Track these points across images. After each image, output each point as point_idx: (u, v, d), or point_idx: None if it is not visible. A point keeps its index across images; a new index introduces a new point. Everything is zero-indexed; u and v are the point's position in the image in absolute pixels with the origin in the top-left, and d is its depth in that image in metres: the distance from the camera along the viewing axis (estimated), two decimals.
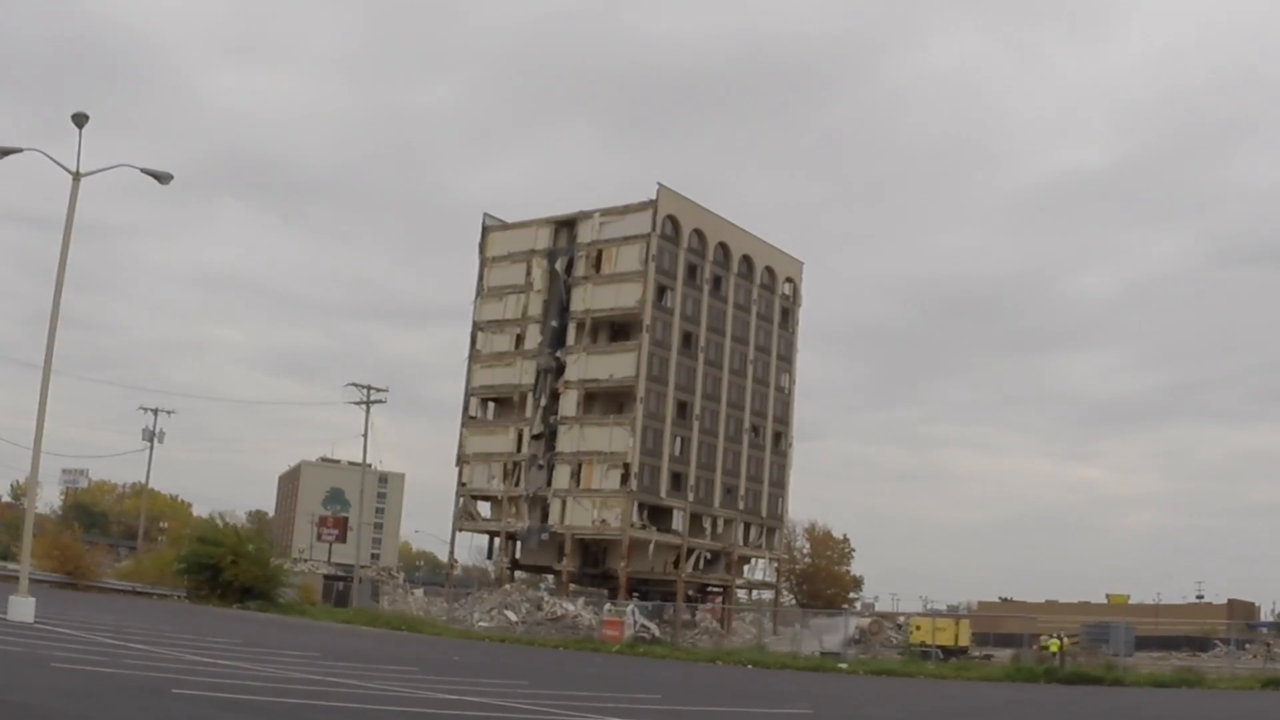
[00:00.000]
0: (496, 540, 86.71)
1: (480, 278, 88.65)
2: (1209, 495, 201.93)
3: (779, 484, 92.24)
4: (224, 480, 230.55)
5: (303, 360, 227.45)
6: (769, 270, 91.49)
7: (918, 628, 54.11)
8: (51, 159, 30.32)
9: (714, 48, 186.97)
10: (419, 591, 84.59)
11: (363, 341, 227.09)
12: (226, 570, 57.50)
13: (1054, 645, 45.70)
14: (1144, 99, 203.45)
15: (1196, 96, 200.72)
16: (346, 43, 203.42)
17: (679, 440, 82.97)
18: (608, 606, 58.02)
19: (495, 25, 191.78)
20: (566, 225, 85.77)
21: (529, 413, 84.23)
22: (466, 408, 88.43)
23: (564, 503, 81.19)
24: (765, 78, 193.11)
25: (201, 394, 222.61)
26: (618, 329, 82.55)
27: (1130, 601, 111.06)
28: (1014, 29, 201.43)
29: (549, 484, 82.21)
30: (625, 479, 78.68)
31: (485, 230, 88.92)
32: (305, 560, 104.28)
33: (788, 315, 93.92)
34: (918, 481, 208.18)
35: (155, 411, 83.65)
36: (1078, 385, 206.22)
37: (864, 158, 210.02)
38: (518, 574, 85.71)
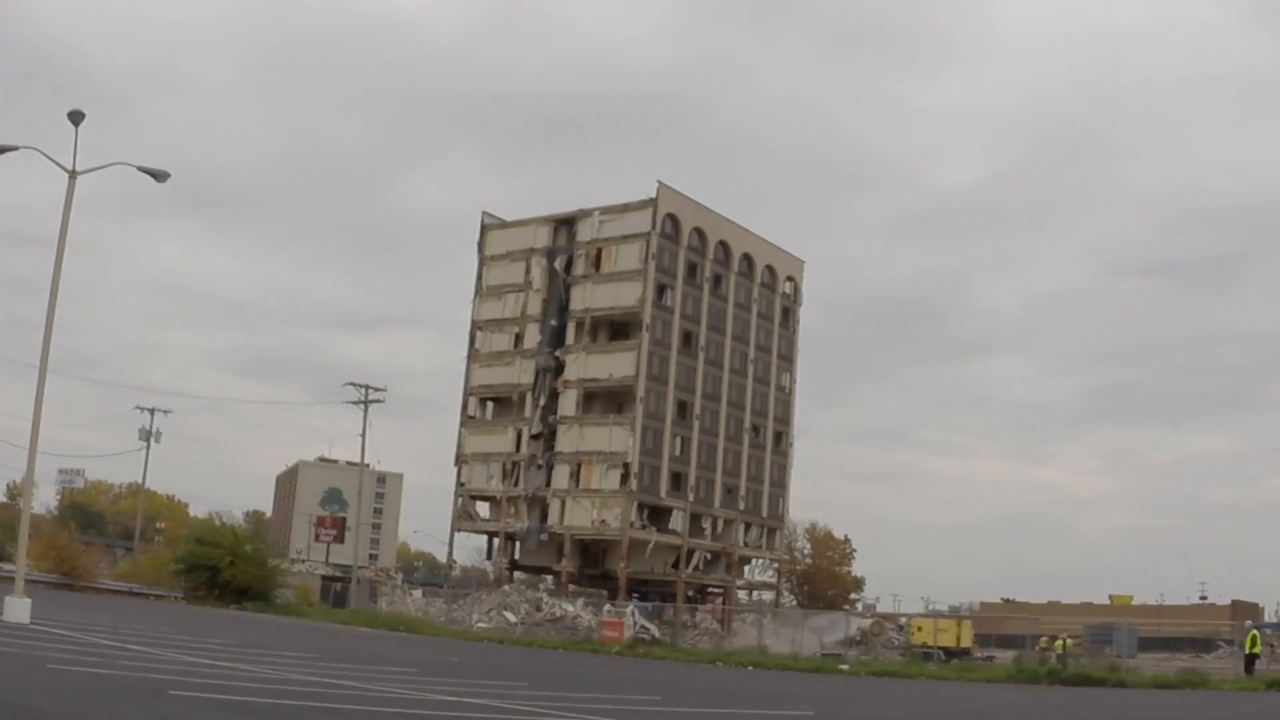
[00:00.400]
0: (495, 541, 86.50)
1: (479, 276, 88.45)
2: (1172, 496, 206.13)
3: (779, 484, 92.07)
4: (221, 481, 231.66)
5: (261, 365, 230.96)
6: (769, 269, 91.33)
7: (919, 629, 53.97)
8: (48, 157, 30.36)
9: (584, 80, 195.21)
10: (417, 592, 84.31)
11: (315, 347, 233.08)
12: (224, 571, 57.18)
13: (1059, 646, 45.45)
14: (1011, 118, 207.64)
15: (1059, 114, 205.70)
16: (254, 73, 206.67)
17: (679, 440, 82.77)
18: (607, 607, 57.71)
19: (389, 56, 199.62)
20: (566, 223, 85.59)
21: (528, 412, 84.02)
22: (465, 407, 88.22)
23: (563, 503, 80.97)
24: (630, 108, 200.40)
25: (189, 395, 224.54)
26: (617, 328, 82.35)
27: (1133, 602, 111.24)
28: (870, 55, 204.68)
29: (548, 484, 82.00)
30: (625, 479, 78.48)
31: (484, 229, 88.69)
32: (303, 561, 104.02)
33: (788, 314, 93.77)
34: (884, 483, 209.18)
35: (152, 411, 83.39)
36: (1001, 391, 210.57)
37: (738, 179, 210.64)
38: (517, 575, 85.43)
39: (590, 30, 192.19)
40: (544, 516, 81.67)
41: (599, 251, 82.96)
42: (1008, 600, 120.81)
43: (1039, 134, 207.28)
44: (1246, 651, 39.10)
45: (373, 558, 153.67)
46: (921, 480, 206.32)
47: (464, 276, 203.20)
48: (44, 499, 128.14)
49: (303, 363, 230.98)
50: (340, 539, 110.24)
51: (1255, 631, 40.08)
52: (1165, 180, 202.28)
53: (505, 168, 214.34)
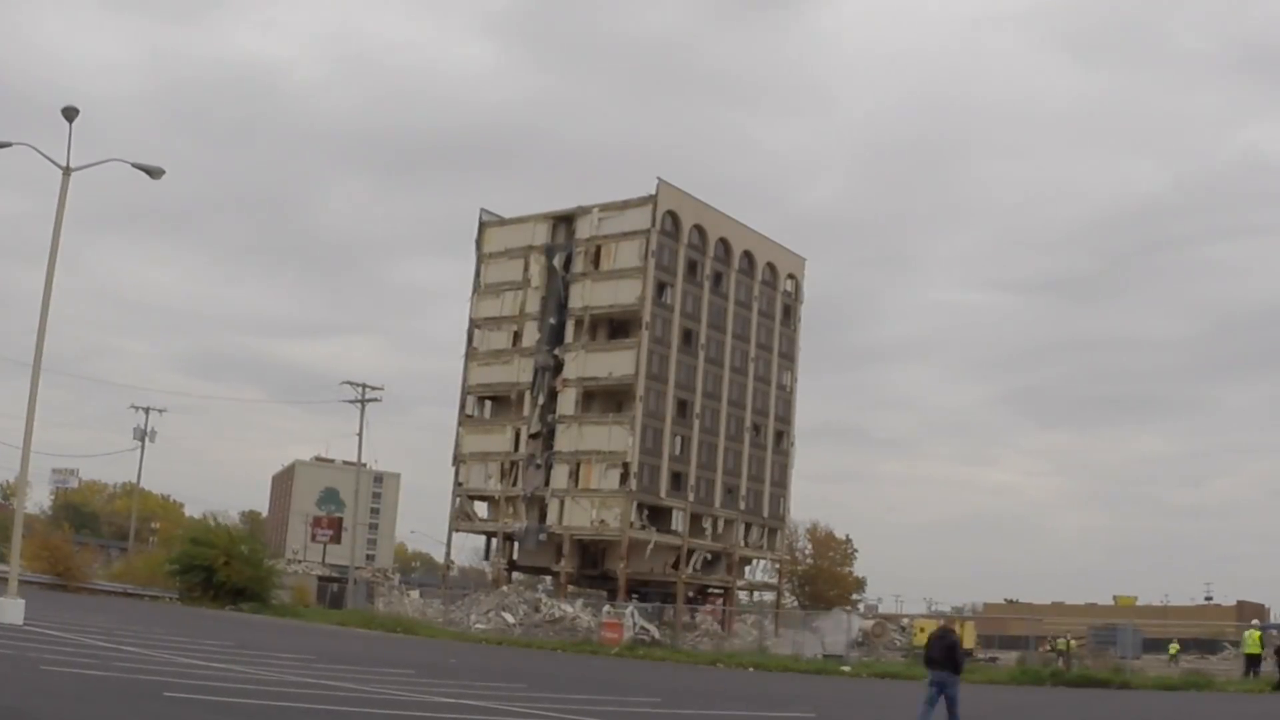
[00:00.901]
0: (494, 541, 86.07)
1: (477, 274, 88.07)
2: (1129, 497, 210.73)
3: (780, 484, 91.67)
4: (216, 481, 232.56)
5: (215, 369, 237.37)
6: (770, 266, 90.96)
7: (921, 630, 53.63)
8: (42, 154, 30.26)
9: (435, 115, 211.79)
10: (415, 593, 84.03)
11: (263, 352, 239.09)
12: (219, 571, 56.82)
13: (1063, 645, 45.13)
14: (858, 143, 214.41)
15: (904, 139, 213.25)
16: (152, 109, 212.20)
17: (679, 439, 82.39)
18: (606, 608, 57.49)
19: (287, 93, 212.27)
20: (565, 220, 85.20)
21: (526, 411, 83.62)
22: (463, 406, 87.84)
23: (562, 503, 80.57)
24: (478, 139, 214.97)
25: (182, 394, 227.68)
26: (617, 326, 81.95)
27: (1138, 603, 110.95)
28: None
29: (547, 484, 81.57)
30: (624, 479, 78.07)
31: (482, 226, 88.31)
32: (299, 561, 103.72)
33: (789, 312, 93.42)
34: (843, 483, 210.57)
35: (146, 410, 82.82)
36: (920, 396, 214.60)
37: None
38: (515, 575, 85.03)
39: (426, 72, 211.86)
40: (543, 516, 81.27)
41: (598, 249, 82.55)
42: (1011, 601, 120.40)
43: (885, 157, 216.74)
44: (1245, 652, 38.70)
45: (370, 558, 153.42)
46: (879, 481, 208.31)
47: (382, 288, 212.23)
48: (38, 499, 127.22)
49: (254, 366, 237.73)
50: (337, 539, 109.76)
51: (1257, 632, 39.66)
52: (1010, 202, 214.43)
53: (387, 193, 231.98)
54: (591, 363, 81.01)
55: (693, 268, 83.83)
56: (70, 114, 29.88)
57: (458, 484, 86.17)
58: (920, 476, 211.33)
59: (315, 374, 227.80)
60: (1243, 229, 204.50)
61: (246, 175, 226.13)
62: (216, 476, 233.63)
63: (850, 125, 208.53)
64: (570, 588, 76.98)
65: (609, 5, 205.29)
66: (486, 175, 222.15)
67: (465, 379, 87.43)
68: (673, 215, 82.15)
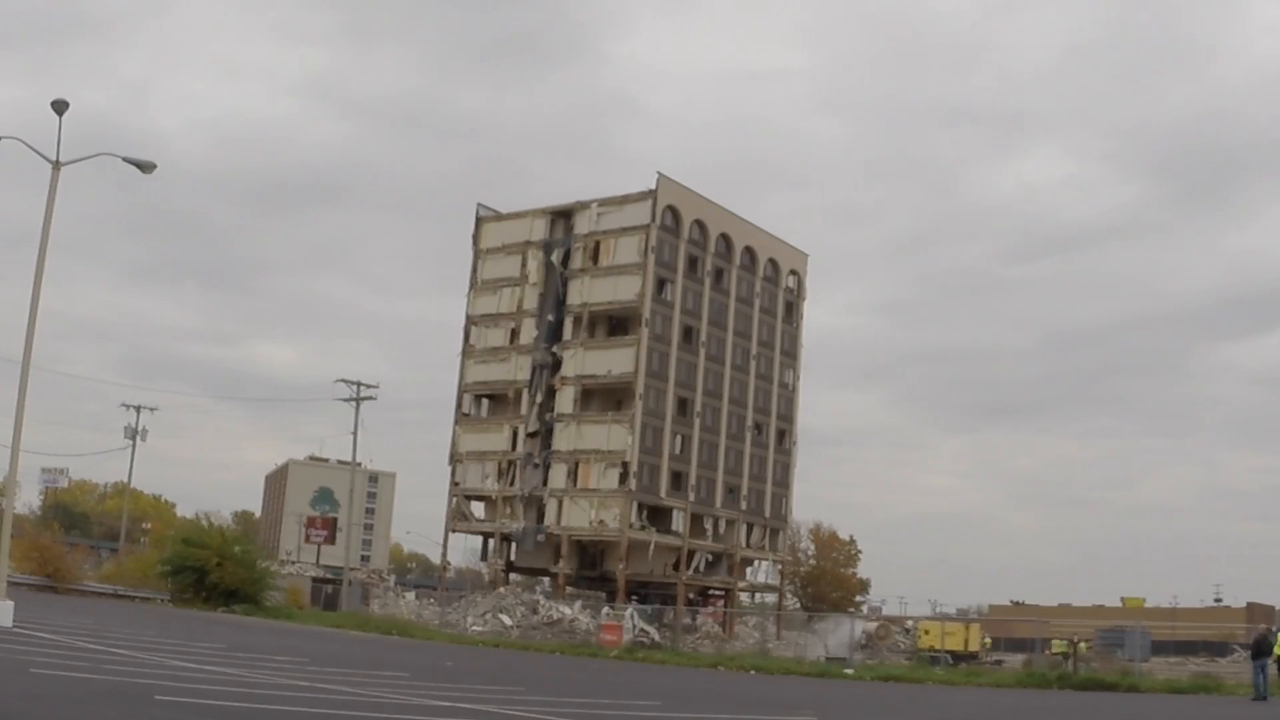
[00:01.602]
0: (491, 542, 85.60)
1: (473, 270, 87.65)
2: (1066, 498, 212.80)
3: (783, 484, 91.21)
4: (208, 481, 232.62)
5: (149, 372, 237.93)
6: (772, 262, 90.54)
7: (926, 632, 53.37)
8: (31, 148, 29.77)
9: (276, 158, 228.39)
10: (410, 595, 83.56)
11: (188, 356, 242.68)
12: (212, 573, 56.24)
13: (1064, 647, 44.62)
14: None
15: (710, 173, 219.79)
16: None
17: (679, 438, 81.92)
18: (606, 610, 57.11)
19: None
20: (563, 215, 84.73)
21: (524, 410, 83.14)
22: (459, 405, 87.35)
23: (560, 503, 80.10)
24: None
25: (177, 391, 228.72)
26: (616, 323, 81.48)
27: (1146, 605, 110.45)
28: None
29: (545, 483, 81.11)
30: (624, 478, 77.61)
31: (479, 221, 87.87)
32: (293, 562, 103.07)
33: (791, 309, 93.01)
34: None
35: (138, 409, 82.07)
36: (808, 403, 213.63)
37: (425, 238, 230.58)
38: (513, 576, 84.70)
39: (255, 123, 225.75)
40: (540, 517, 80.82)
41: (597, 244, 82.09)
42: (1017, 603, 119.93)
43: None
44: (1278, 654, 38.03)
45: (365, 559, 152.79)
46: (820, 483, 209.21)
47: (281, 300, 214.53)
48: (27, 499, 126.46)
49: (189, 371, 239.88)
50: (331, 540, 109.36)
51: None
52: (807, 233, 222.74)
53: (253, 218, 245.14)
54: (590, 360, 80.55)
55: (693, 263, 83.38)
56: (60, 108, 29.45)
57: (454, 484, 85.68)
58: (856, 478, 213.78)
59: (243, 378, 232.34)
60: (1032, 255, 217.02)
61: (133, 204, 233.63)
62: (207, 477, 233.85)
63: (646, 163, 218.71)
64: (569, 589, 76.55)
65: (377, 64, 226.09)
66: (326, 205, 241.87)
67: (461, 377, 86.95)
68: (673, 210, 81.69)
